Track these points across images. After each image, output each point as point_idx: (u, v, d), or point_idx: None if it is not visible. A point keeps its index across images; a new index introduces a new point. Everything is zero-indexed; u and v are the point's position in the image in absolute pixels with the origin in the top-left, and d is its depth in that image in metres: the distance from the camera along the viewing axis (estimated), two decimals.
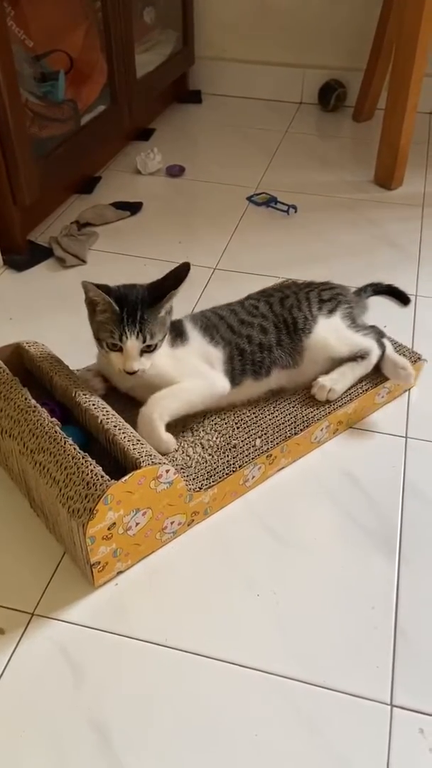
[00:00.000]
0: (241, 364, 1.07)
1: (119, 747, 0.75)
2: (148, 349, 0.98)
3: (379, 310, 1.19)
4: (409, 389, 1.21)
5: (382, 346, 1.15)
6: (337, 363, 1.11)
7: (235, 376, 1.06)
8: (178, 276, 0.98)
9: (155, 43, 2.15)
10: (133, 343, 0.96)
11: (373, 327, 1.18)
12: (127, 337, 0.96)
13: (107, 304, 0.96)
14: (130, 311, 0.96)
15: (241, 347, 1.07)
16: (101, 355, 1.05)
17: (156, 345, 0.99)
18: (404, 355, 1.19)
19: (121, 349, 0.98)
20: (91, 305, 0.99)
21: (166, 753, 0.75)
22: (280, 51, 2.37)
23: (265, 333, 1.09)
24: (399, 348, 1.21)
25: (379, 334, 1.17)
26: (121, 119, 1.91)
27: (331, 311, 1.11)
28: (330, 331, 1.11)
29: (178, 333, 1.05)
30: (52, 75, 1.62)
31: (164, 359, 1.02)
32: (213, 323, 1.09)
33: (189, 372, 1.03)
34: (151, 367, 0.99)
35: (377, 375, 1.15)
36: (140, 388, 1.04)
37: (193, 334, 1.07)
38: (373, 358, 1.12)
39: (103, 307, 0.97)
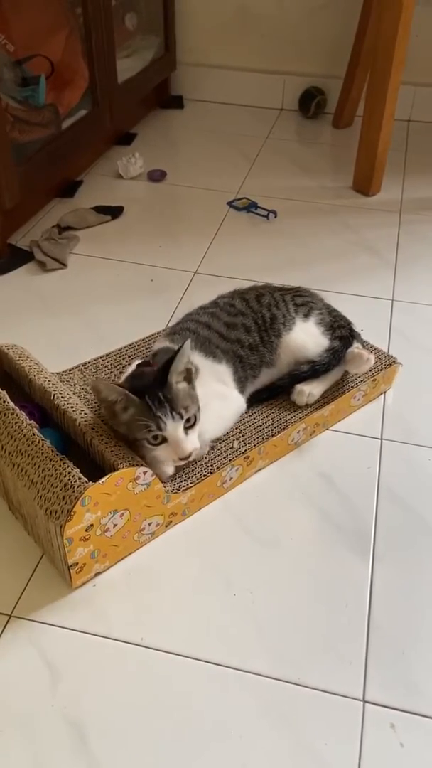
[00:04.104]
0: (243, 372, 1.06)
1: (96, 747, 0.76)
2: (188, 424, 0.90)
3: (356, 315, 1.21)
4: (385, 392, 1.23)
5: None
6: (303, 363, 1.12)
7: (242, 386, 1.06)
8: (177, 350, 0.90)
9: (137, 48, 2.16)
10: (174, 425, 0.88)
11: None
12: (164, 422, 0.88)
13: (124, 397, 0.88)
14: (151, 395, 0.88)
15: (239, 354, 1.06)
16: (147, 454, 0.92)
17: (196, 417, 0.91)
18: (380, 358, 1.21)
19: (165, 440, 0.89)
20: (109, 408, 0.90)
21: (142, 752, 0.76)
22: (261, 58, 2.40)
23: (249, 332, 1.09)
24: (375, 351, 1.22)
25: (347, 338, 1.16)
26: (102, 124, 1.92)
27: (306, 315, 1.13)
28: (308, 336, 1.12)
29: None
30: (33, 79, 1.63)
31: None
32: (204, 336, 1.05)
33: (212, 401, 0.97)
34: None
35: (353, 378, 1.17)
36: None
37: (197, 359, 1.01)
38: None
39: (123, 405, 0.89)
